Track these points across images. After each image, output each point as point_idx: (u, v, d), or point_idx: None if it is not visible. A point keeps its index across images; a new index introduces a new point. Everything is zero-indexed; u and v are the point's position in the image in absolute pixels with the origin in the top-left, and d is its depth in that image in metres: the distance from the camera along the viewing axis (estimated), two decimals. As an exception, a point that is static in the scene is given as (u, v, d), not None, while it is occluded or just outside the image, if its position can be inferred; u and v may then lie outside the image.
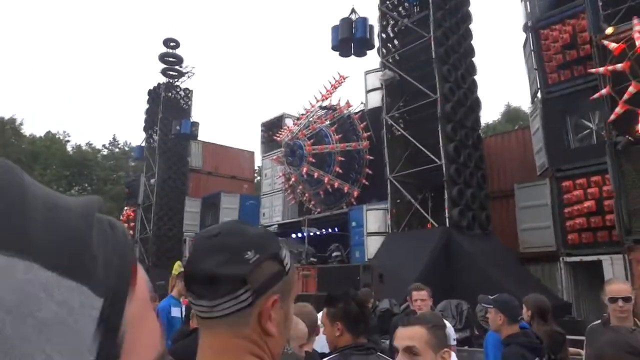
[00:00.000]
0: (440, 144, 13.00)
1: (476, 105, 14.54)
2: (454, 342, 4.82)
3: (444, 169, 12.79)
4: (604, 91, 9.43)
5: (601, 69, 9.48)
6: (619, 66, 9.11)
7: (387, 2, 15.93)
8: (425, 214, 13.51)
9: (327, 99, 18.90)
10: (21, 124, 42.50)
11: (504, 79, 62.28)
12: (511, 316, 3.37)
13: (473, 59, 14.87)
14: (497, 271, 11.14)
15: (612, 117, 9.25)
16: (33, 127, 54.07)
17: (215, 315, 0.78)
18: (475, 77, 14.78)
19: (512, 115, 38.40)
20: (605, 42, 9.56)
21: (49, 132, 44.89)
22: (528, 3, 13.47)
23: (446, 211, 12.49)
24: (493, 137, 17.85)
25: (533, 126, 13.75)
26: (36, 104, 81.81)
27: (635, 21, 9.18)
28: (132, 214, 29.63)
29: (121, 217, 31.03)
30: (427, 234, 13.05)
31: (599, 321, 3.45)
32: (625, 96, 8.99)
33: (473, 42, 15.00)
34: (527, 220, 13.17)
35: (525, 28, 13.62)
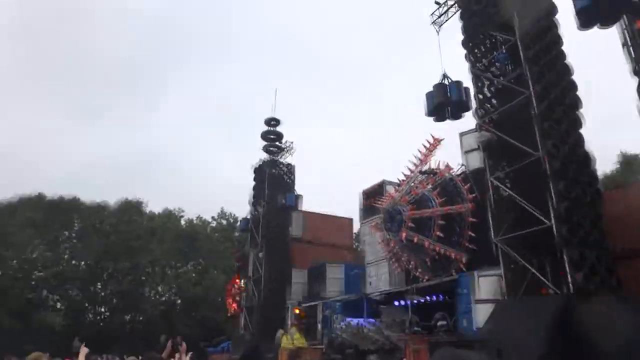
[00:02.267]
0: (550, 203, 12.20)
1: (586, 159, 13.59)
2: None
3: (554, 229, 11.91)
4: None
5: None
6: None
7: (478, 65, 15.93)
8: (544, 279, 12.44)
9: (425, 163, 18.80)
10: (146, 205, 47.42)
11: (614, 127, 57.38)
12: None
13: (578, 111, 14.10)
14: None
15: None
16: (153, 205, 59.42)
17: None
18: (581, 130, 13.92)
19: (629, 162, 34.87)
20: None
21: (166, 209, 49.44)
22: (632, 48, 12.67)
23: (568, 276, 11.43)
24: (613, 191, 16.34)
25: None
26: (152, 185, 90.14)
27: None
28: (241, 285, 31.11)
29: (232, 289, 32.64)
30: (545, 301, 11.94)
31: None
32: None
33: (578, 93, 14.30)
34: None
35: (636, 72, 12.74)
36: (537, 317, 11.16)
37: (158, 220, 47.22)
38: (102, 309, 44.07)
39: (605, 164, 35.36)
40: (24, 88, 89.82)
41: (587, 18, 14.06)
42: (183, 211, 50.13)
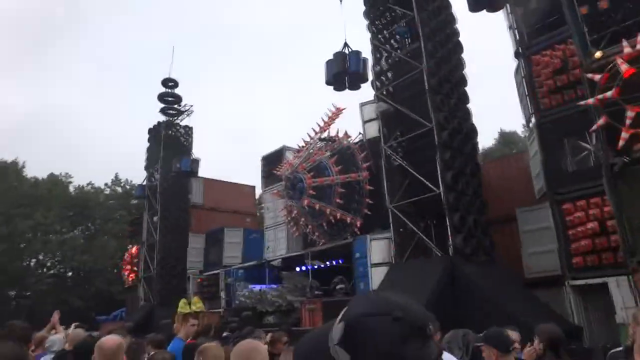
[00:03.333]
0: (439, 172, 13.12)
1: (472, 132, 14.72)
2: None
3: (442, 196, 12.86)
4: (601, 121, 9.52)
5: (592, 100, 9.60)
6: (609, 94, 9.25)
7: (379, 36, 16.30)
8: (429, 242, 13.50)
9: (325, 131, 19.12)
10: (23, 166, 42.86)
11: (495, 104, 62.85)
12: (503, 349, 3.39)
13: (465, 88, 15.14)
14: (505, 298, 11.06)
15: (621, 142, 9.15)
16: (35, 169, 54.39)
17: None
18: (469, 105, 15.02)
19: (507, 139, 38.74)
20: (589, 75, 9.72)
21: (51, 174, 45.11)
22: (516, 31, 13.80)
23: (449, 239, 12.50)
24: (492, 162, 17.97)
25: (531, 150, 13.88)
26: (38, 146, 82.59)
27: (624, 43, 9.25)
28: (135, 252, 29.60)
29: (125, 256, 31.00)
30: (431, 262, 13.01)
31: (620, 348, 3.42)
32: (628, 121, 9.07)
33: (465, 71, 15.32)
34: (532, 245, 13.14)
35: (517, 55, 13.91)
36: (424, 276, 12.12)
37: (42, 186, 43.09)
38: (-21, 285, 39.83)
39: (485, 140, 39.03)
40: None
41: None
42: (71, 177, 46.23)
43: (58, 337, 5.94)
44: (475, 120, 14.93)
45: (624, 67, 9.11)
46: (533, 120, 13.07)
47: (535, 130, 12.93)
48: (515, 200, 14.38)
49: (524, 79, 13.31)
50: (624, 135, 9.15)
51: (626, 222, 9.38)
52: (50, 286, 38.80)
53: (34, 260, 41.01)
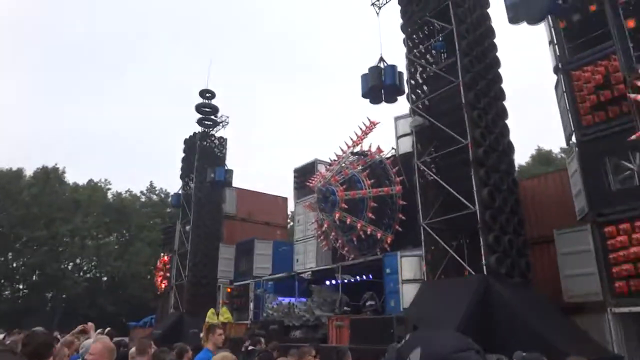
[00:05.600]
0: (474, 189, 12.79)
1: (509, 149, 14.34)
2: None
3: (478, 215, 12.51)
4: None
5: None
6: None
7: (415, 51, 16.19)
8: (462, 262, 13.12)
9: (358, 145, 19.03)
10: (64, 172, 44.61)
11: (532, 121, 61.38)
12: None
13: (504, 102, 14.79)
14: (540, 323, 10.60)
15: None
16: (76, 175, 56.49)
17: None
18: (507, 121, 14.65)
19: (542, 158, 37.70)
20: (632, 95, 9.28)
21: (91, 180, 46.83)
22: (557, 47, 13.42)
23: (483, 258, 12.12)
24: (529, 180, 17.39)
25: (570, 168, 13.38)
26: (79, 153, 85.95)
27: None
28: (167, 260, 30.11)
29: (157, 264, 31.60)
30: (464, 282, 12.61)
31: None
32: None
33: (503, 86, 14.98)
34: (570, 267, 12.56)
35: (556, 70, 13.52)
36: (456, 296, 11.77)
37: (82, 192, 44.71)
38: (20, 286, 41.42)
39: (522, 157, 38.15)
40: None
41: (515, 14, 14.58)
42: (110, 183, 47.85)
43: (90, 342, 6.14)
44: (513, 137, 14.54)
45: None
46: (574, 138, 12.61)
47: (575, 148, 12.46)
48: (553, 220, 13.84)
49: (564, 94, 12.89)
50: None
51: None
52: (85, 290, 39.98)
53: (71, 263, 42.41)
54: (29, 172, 42.71)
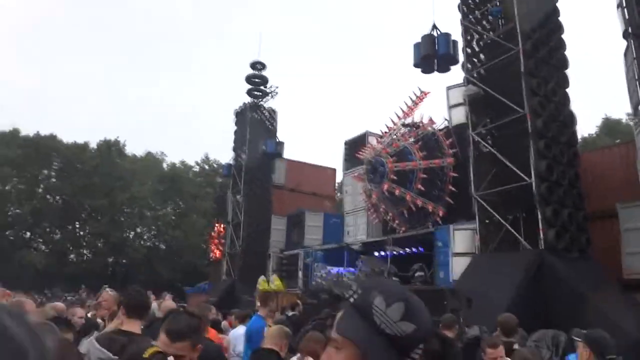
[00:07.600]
0: (531, 161, 12.36)
1: (570, 119, 13.67)
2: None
3: (534, 187, 12.12)
4: None
5: None
6: None
7: (470, 17, 15.55)
8: (518, 235, 12.82)
9: (409, 116, 18.72)
10: (124, 145, 46.68)
11: (600, 90, 57.62)
12: (599, 353, 3.20)
13: (566, 71, 14.04)
14: (598, 299, 10.29)
15: None
16: (135, 148, 59.02)
17: None
18: (568, 90, 13.92)
19: (611, 128, 35.46)
20: None
21: (148, 153, 48.87)
22: (626, 10, 12.47)
23: (540, 232, 11.79)
24: (592, 152, 16.56)
25: (637, 140, 12.62)
26: (137, 125, 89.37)
27: None
28: (222, 230, 31.17)
29: (212, 233, 32.77)
30: (519, 256, 12.36)
31: None
32: None
33: (566, 53, 14.19)
34: (633, 244, 12.00)
35: (626, 35, 12.61)
36: (510, 270, 11.59)
37: (140, 162, 46.76)
38: (85, 251, 44.34)
39: (585, 128, 36.09)
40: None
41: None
42: (165, 155, 49.72)
43: (152, 305, 6.66)
44: (575, 106, 13.83)
45: None
46: (642, 107, 11.84)
47: (645, 119, 11.72)
48: (617, 195, 13.18)
49: (635, 61, 12.04)
50: None
51: None
52: (144, 256, 42.37)
53: (132, 232, 44.96)
54: (92, 145, 44.97)
